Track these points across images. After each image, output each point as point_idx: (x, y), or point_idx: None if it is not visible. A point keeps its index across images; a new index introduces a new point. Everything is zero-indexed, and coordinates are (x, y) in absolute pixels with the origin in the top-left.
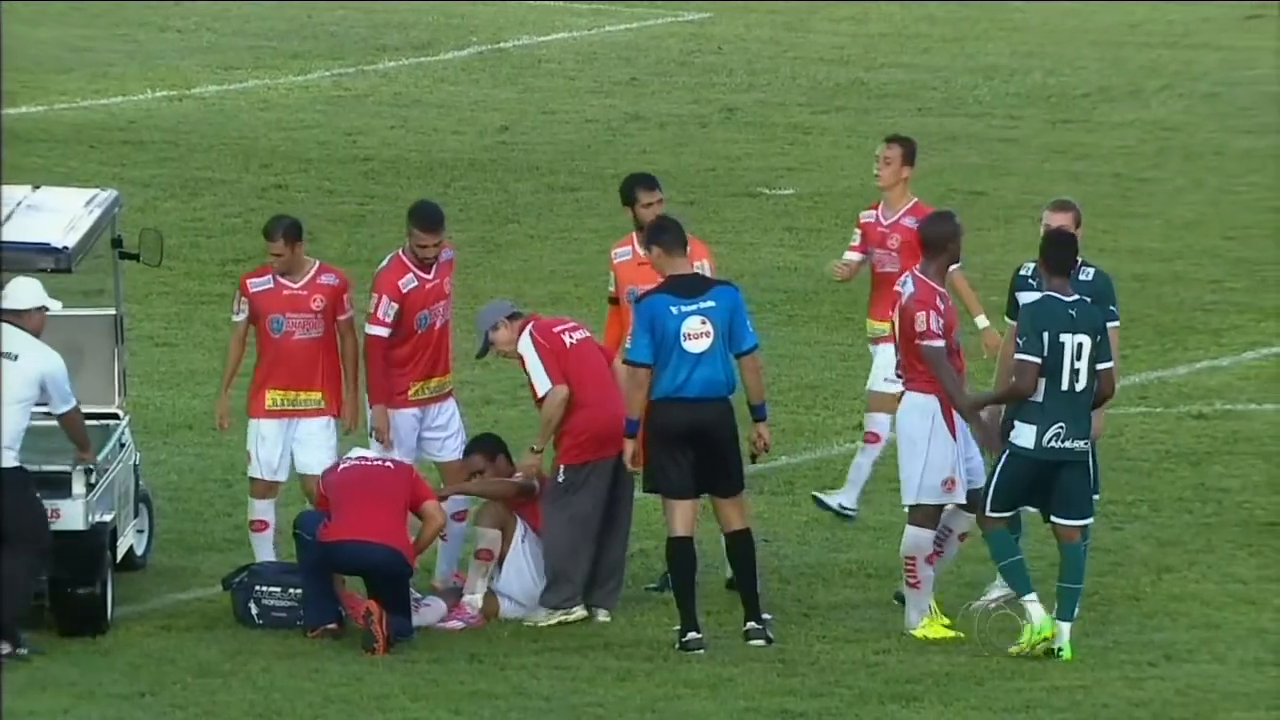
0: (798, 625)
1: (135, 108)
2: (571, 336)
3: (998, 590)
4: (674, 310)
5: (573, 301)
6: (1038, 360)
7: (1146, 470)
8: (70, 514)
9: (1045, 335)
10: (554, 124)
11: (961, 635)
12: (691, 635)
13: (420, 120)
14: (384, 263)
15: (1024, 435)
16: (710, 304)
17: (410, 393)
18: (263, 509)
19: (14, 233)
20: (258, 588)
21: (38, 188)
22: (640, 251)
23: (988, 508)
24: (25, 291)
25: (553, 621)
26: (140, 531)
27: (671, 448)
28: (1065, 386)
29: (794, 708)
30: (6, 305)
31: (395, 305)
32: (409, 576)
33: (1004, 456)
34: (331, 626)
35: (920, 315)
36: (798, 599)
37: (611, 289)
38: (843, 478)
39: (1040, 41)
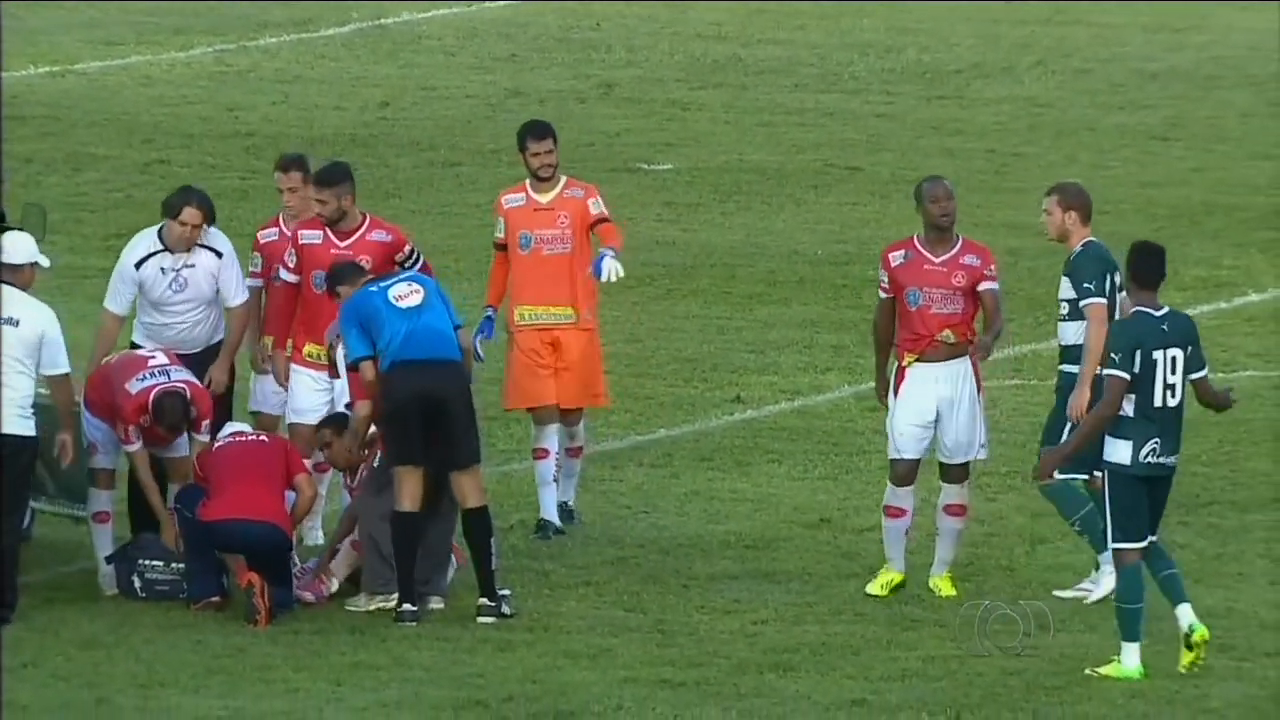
0: (676, 596)
1: (18, 83)
2: None
3: (1088, 584)
4: (374, 289)
5: (453, 276)
6: (1127, 377)
7: (1020, 442)
8: None
9: (1138, 353)
10: (434, 100)
11: (880, 596)
12: (406, 607)
13: (302, 96)
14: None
15: (1119, 451)
16: (411, 274)
17: (305, 351)
18: (107, 500)
19: None
20: (141, 561)
21: None
22: (536, 198)
23: (1110, 538)
24: (19, 247)
25: (372, 607)
26: None
27: (404, 415)
28: (1159, 402)
29: (673, 677)
30: (3, 260)
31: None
32: (289, 550)
33: (1105, 480)
34: (214, 599)
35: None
36: (677, 570)
37: (499, 235)
38: (721, 450)
39: (915, 18)
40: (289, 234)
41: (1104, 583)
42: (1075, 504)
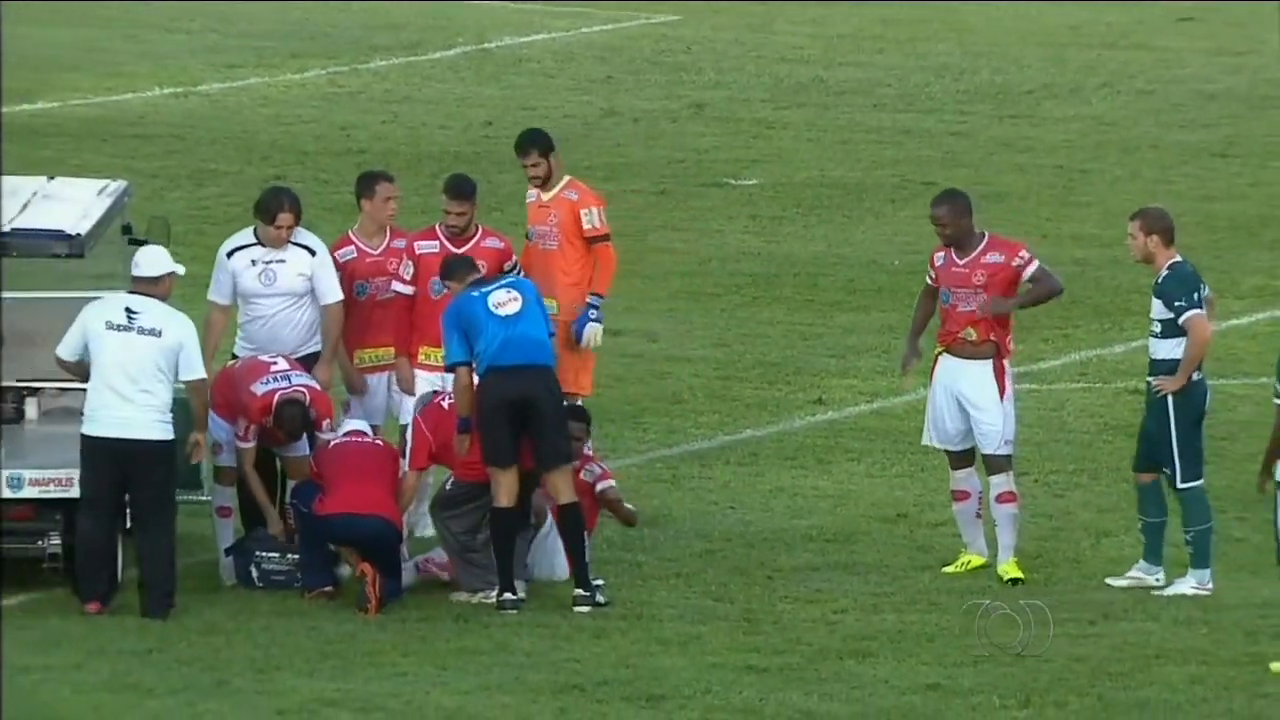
0: (762, 587)
1: (144, 103)
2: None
3: (1138, 571)
4: (475, 294)
5: None
6: None
7: (1086, 442)
8: None
9: None
10: (534, 119)
11: (955, 574)
12: (507, 596)
13: (409, 115)
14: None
15: None
16: (512, 279)
17: (420, 356)
18: (229, 496)
19: (31, 220)
20: (258, 553)
21: (53, 179)
22: (542, 196)
23: None
24: (156, 259)
25: (474, 600)
26: None
27: (498, 417)
28: None
29: (758, 663)
30: (140, 274)
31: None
32: (399, 543)
33: None
34: (327, 589)
35: None
36: (762, 562)
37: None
38: (804, 449)
39: (988, 42)
40: (370, 250)
41: (1179, 584)
42: (1201, 516)
